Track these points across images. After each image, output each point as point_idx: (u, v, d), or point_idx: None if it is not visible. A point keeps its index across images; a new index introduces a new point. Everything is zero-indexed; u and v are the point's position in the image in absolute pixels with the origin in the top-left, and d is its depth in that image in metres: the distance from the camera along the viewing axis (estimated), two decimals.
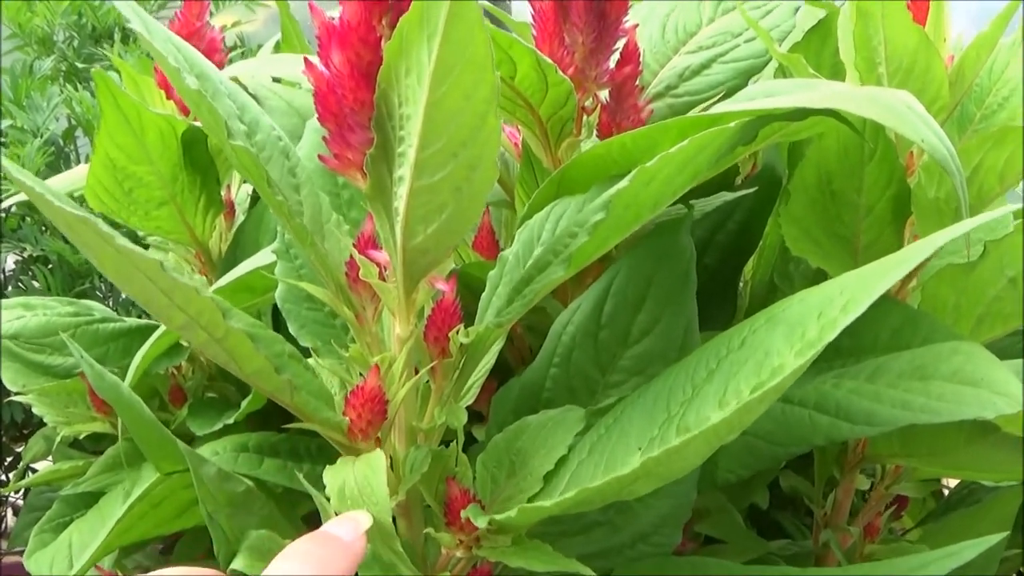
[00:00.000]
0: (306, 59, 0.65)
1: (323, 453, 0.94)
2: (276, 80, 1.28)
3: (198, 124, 1.07)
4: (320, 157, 0.68)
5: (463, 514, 0.71)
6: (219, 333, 0.65)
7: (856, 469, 1.04)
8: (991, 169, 0.89)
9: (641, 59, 0.93)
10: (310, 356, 0.81)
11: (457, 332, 0.73)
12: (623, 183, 0.68)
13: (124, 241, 0.59)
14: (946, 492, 1.30)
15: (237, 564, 0.78)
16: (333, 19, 0.64)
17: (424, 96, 0.57)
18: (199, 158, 1.12)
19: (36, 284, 1.52)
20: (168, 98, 1.18)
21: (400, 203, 0.63)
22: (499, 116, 0.60)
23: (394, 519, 0.78)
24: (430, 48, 0.55)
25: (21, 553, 1.10)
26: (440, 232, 0.65)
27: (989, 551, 0.68)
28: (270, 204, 0.70)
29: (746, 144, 0.76)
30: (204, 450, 0.93)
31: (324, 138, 0.67)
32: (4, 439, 1.63)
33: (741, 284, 1.13)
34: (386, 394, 0.71)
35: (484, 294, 0.76)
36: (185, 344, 1.08)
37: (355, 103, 0.63)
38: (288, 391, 0.69)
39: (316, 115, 0.66)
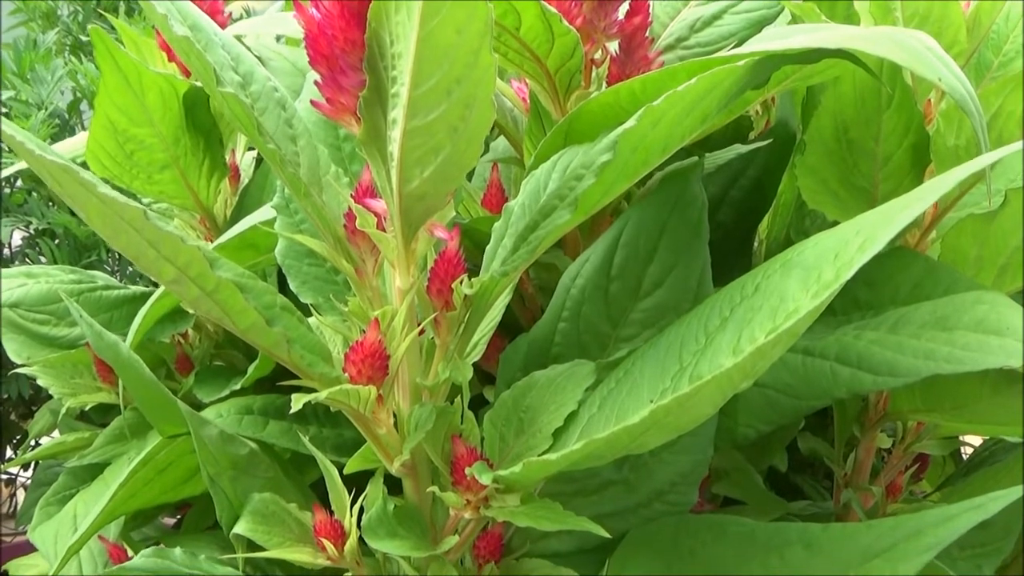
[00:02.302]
0: (296, 2, 0.62)
1: (330, 416, 0.93)
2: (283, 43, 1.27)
3: (200, 85, 1.05)
4: (313, 103, 0.65)
5: (468, 472, 0.69)
6: (209, 286, 0.63)
7: (877, 427, 1.02)
8: (1011, 115, 0.87)
9: (651, 10, 0.90)
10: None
11: (461, 283, 0.71)
12: (630, 123, 0.66)
13: (107, 189, 0.57)
14: (965, 459, 1.28)
15: (240, 528, 0.77)
16: None
17: (415, 31, 0.54)
18: (201, 120, 1.10)
19: (43, 259, 1.51)
20: (170, 60, 1.16)
21: (394, 146, 0.61)
22: (494, 53, 0.57)
23: (400, 480, 0.77)
24: None
25: None
26: (437, 176, 0.63)
27: (1011, 507, 0.66)
28: (262, 152, 0.68)
29: (757, 87, 0.74)
30: (207, 413, 0.91)
31: (316, 83, 0.65)
32: (13, 416, 1.62)
33: (756, 243, 1.11)
34: (387, 349, 0.69)
35: (489, 245, 0.74)
36: (190, 310, 1.06)
37: (346, 44, 0.61)
38: (284, 346, 0.67)
39: (308, 59, 0.63)
